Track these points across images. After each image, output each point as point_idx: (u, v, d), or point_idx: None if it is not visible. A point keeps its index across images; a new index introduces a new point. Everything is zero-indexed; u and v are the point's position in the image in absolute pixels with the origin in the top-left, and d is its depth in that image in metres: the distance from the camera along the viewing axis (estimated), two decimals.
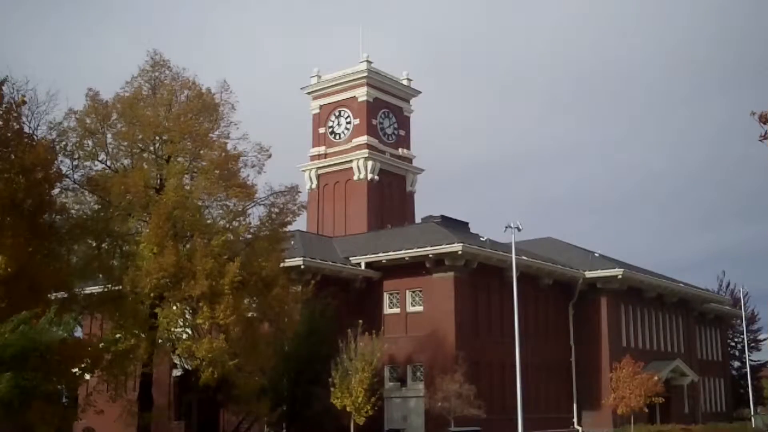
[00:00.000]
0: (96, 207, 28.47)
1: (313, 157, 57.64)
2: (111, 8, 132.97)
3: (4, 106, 23.23)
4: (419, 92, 60.54)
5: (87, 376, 23.91)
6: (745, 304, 66.90)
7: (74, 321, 23.68)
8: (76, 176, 28.38)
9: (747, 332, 67.08)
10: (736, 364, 73.80)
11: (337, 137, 57.28)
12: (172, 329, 28.17)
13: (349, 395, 32.61)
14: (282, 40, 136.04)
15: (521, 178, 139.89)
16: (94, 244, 28.38)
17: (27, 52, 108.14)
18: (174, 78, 29.77)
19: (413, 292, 42.94)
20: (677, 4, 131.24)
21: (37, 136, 25.09)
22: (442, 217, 48.20)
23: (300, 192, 31.41)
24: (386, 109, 58.02)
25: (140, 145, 29.28)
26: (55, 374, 19.38)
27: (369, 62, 56.83)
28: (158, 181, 28.96)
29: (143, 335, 27.81)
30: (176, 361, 31.81)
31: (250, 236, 29.66)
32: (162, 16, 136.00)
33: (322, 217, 56.07)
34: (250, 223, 29.87)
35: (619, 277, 48.60)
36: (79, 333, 32.58)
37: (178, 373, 36.45)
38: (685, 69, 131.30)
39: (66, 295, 26.81)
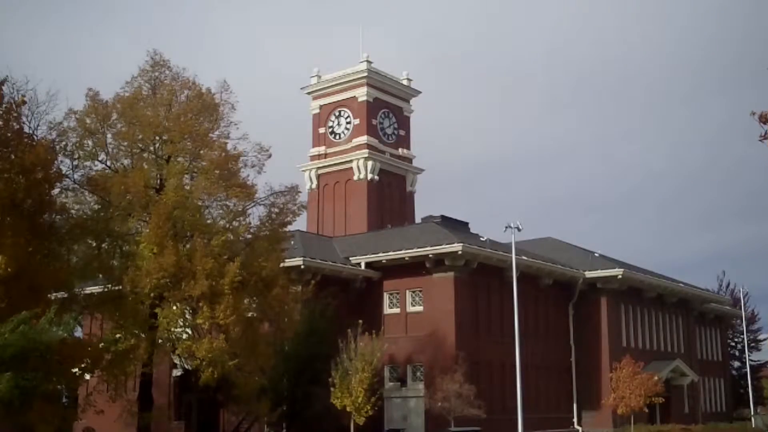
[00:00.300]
0: (96, 207, 28.48)
1: (313, 157, 57.65)
2: (111, 8, 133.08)
3: (4, 106, 23.23)
4: (419, 92, 60.57)
5: (87, 376, 23.93)
6: (745, 304, 66.90)
7: (74, 321, 23.69)
8: (76, 176, 28.44)
9: (747, 332, 67.07)
10: (736, 364, 73.81)
11: (337, 137, 57.29)
12: (172, 329, 28.19)
13: (349, 395, 32.60)
14: (282, 40, 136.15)
15: (521, 178, 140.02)
16: (94, 244, 28.38)
17: (27, 52, 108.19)
18: (174, 78, 29.80)
19: (413, 292, 42.93)
20: (677, 4, 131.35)
21: (37, 136, 25.09)
22: (442, 217, 48.19)
23: (300, 192, 31.45)
24: (386, 109, 58.02)
25: (140, 145, 29.30)
26: (55, 374, 19.38)
27: (369, 62, 56.83)
28: (158, 181, 28.98)
29: (143, 335, 27.83)
30: (176, 361, 31.82)
31: (250, 236, 29.67)
32: (162, 16, 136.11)
33: (322, 217, 56.07)
34: (250, 223, 29.91)
35: (619, 277, 48.60)
36: (79, 333, 32.56)
37: (178, 373, 36.47)
38: (685, 69, 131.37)
39: (66, 295, 26.81)
